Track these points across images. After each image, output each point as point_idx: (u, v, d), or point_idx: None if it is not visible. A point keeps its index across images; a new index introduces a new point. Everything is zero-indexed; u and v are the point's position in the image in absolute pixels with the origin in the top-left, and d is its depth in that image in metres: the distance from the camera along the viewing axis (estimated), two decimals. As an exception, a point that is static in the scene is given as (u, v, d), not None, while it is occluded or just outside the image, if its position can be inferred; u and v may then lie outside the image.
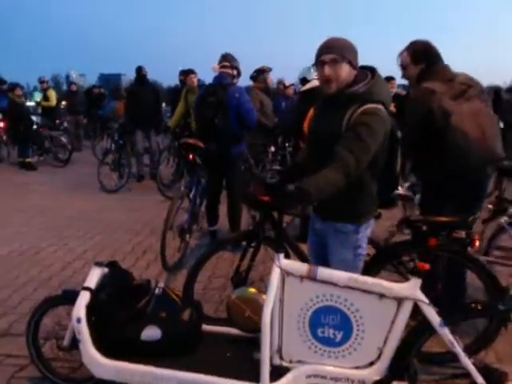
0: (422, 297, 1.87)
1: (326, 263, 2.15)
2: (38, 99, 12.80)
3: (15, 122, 9.27)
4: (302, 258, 2.64)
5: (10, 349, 2.65)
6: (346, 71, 1.99)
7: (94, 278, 2.21)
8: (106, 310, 2.13)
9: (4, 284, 3.58)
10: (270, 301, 1.88)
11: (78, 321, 2.06)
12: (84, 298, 2.12)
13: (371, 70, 2.09)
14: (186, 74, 7.03)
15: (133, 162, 7.90)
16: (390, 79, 7.38)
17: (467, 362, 1.83)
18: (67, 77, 12.58)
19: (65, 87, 16.26)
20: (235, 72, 4.30)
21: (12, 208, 6.05)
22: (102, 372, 2.06)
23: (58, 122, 11.86)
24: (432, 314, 1.86)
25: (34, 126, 9.89)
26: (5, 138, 10.09)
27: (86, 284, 2.17)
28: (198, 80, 6.92)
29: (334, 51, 1.98)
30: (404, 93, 7.36)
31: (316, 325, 1.96)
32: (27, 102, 13.49)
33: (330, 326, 1.95)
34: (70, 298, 2.22)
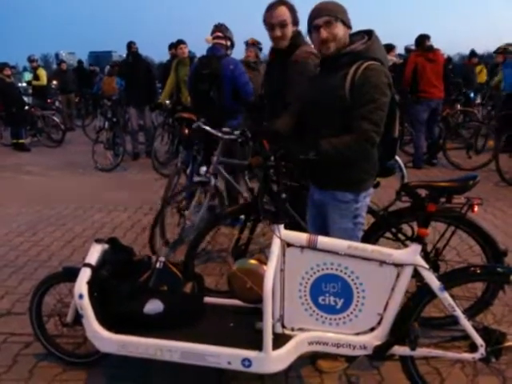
0: (421, 262, 1.88)
1: (326, 235, 2.14)
2: (28, 79, 12.62)
3: (6, 103, 9.11)
4: (301, 229, 2.64)
5: (13, 327, 2.67)
6: (341, 30, 2.04)
7: (94, 254, 2.20)
8: (107, 285, 2.14)
9: (4, 264, 3.58)
10: (271, 271, 1.88)
11: (81, 297, 2.07)
12: (85, 274, 2.12)
13: (368, 33, 2.10)
14: (175, 46, 6.88)
15: (127, 140, 7.82)
16: (389, 48, 7.29)
17: (467, 324, 1.85)
18: (57, 55, 12.40)
19: (55, 67, 15.97)
20: (229, 43, 4.19)
21: (7, 189, 6.01)
22: (106, 346, 2.08)
23: (49, 101, 11.72)
24: (432, 279, 1.87)
25: (26, 107, 9.75)
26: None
27: (87, 260, 2.17)
28: (189, 52, 6.77)
29: (327, 13, 2.02)
30: (401, 61, 7.26)
31: (317, 293, 1.97)
32: (18, 83, 13.27)
33: (331, 293, 1.96)
34: (70, 275, 2.23)
